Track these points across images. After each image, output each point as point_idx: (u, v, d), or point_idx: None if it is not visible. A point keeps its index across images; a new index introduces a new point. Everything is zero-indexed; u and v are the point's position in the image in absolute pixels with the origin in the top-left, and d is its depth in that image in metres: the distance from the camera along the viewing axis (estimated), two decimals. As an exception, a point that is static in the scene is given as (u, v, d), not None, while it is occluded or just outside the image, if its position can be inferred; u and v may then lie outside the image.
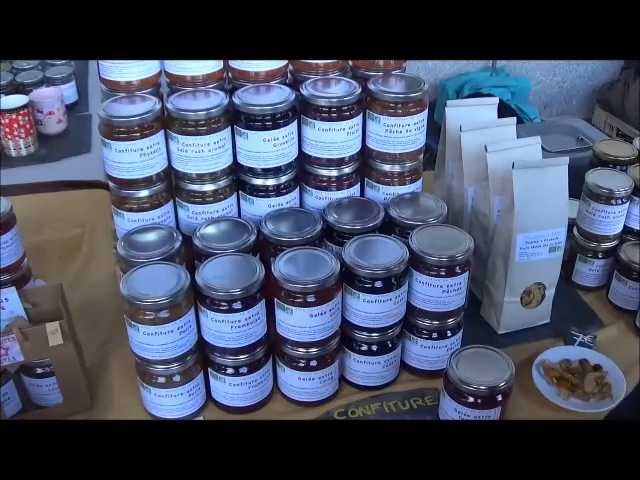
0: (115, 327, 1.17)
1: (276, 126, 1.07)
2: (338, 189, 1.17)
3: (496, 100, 1.33)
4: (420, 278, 1.05)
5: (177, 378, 1.02)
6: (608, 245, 1.30)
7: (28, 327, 0.99)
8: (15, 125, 1.76)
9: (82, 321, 1.15)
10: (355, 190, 1.20)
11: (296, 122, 1.11)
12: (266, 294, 1.00)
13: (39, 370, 1.04)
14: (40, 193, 1.57)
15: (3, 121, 1.75)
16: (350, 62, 1.20)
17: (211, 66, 1.12)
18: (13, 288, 1.02)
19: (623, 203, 1.26)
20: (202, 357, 1.05)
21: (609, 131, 3.53)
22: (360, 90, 1.11)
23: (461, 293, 1.07)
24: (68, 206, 1.54)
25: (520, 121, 2.96)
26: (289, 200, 1.15)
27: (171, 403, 1.03)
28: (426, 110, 1.14)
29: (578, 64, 3.78)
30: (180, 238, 1.06)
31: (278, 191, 1.14)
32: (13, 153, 1.80)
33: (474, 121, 1.25)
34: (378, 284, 1.00)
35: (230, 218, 1.13)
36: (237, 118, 1.08)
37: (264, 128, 1.07)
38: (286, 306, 0.98)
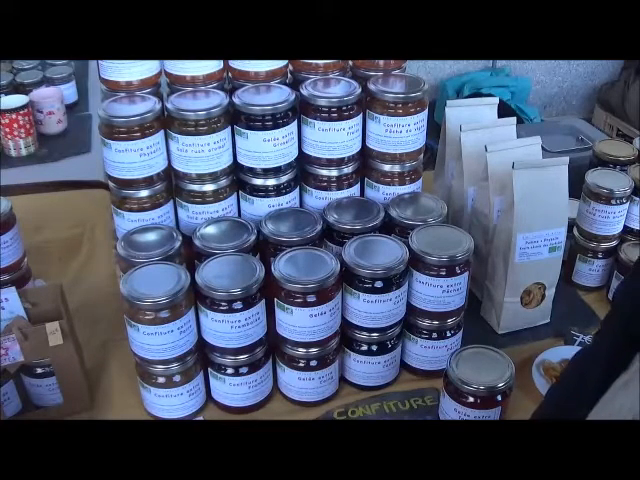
0: (115, 327, 1.16)
1: (276, 126, 1.07)
2: (338, 189, 1.17)
3: (496, 100, 1.33)
4: (420, 278, 1.05)
5: (177, 378, 1.02)
6: (608, 245, 1.30)
7: (28, 327, 0.99)
8: (15, 125, 1.76)
9: (82, 321, 1.16)
10: (355, 190, 1.20)
11: (296, 122, 1.11)
12: (266, 294, 1.00)
13: (39, 370, 1.04)
14: (40, 193, 1.57)
15: (3, 121, 1.75)
16: (350, 62, 1.20)
17: (211, 66, 1.12)
18: (13, 288, 1.01)
19: (623, 203, 1.26)
20: (202, 357, 1.05)
21: (609, 131, 3.53)
22: (360, 90, 1.11)
23: (461, 293, 1.07)
24: (68, 206, 1.54)
25: (520, 121, 2.97)
26: (289, 200, 1.15)
27: (171, 403, 1.03)
28: (426, 110, 1.14)
29: (578, 64, 3.78)
30: (180, 238, 1.06)
31: (278, 191, 1.14)
32: (13, 153, 1.80)
33: (474, 121, 1.25)
34: (378, 284, 1.00)
35: (230, 218, 1.13)
36: (237, 118, 1.08)
37: (264, 128, 1.07)
38: (286, 306, 0.98)
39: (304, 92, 1.10)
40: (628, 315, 0.69)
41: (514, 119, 1.27)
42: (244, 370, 1.03)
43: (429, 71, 3.53)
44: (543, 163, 1.15)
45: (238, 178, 1.14)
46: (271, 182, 1.12)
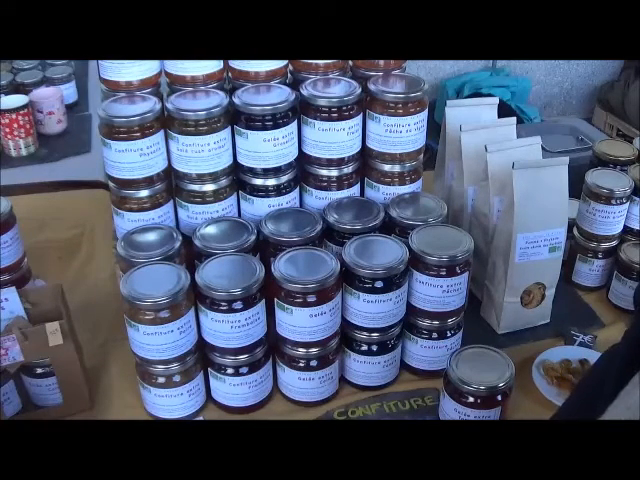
0: (115, 327, 1.17)
1: (276, 126, 1.07)
2: (338, 189, 1.17)
3: (496, 100, 1.33)
4: (420, 278, 1.05)
5: (177, 378, 1.02)
6: (608, 245, 1.30)
7: (28, 327, 0.99)
8: (15, 125, 1.76)
9: (82, 321, 1.15)
10: (355, 190, 1.20)
11: (296, 122, 1.11)
12: (266, 294, 1.00)
13: (39, 370, 1.04)
14: (40, 193, 1.57)
15: (3, 121, 1.75)
16: (350, 62, 1.20)
17: (211, 66, 1.12)
18: (13, 288, 1.01)
19: (623, 203, 1.26)
20: (202, 357, 1.05)
21: (609, 131, 3.53)
22: (360, 90, 1.11)
23: (461, 293, 1.07)
24: (68, 206, 1.54)
25: (520, 121, 2.97)
26: (289, 200, 1.15)
27: (171, 403, 1.03)
28: (426, 110, 1.14)
29: (578, 64, 3.78)
30: (180, 238, 1.06)
31: (278, 191, 1.14)
32: (13, 153, 1.80)
33: (474, 121, 1.25)
34: (378, 284, 1.00)
35: (230, 218, 1.13)
36: (237, 118, 1.08)
37: (264, 128, 1.07)
38: (286, 306, 0.98)
39: (304, 92, 1.10)
40: None
41: (514, 119, 1.27)
42: (244, 370, 1.03)
43: (429, 71, 3.53)
44: (543, 163, 1.15)
45: (238, 178, 1.14)
46: (271, 182, 1.12)
